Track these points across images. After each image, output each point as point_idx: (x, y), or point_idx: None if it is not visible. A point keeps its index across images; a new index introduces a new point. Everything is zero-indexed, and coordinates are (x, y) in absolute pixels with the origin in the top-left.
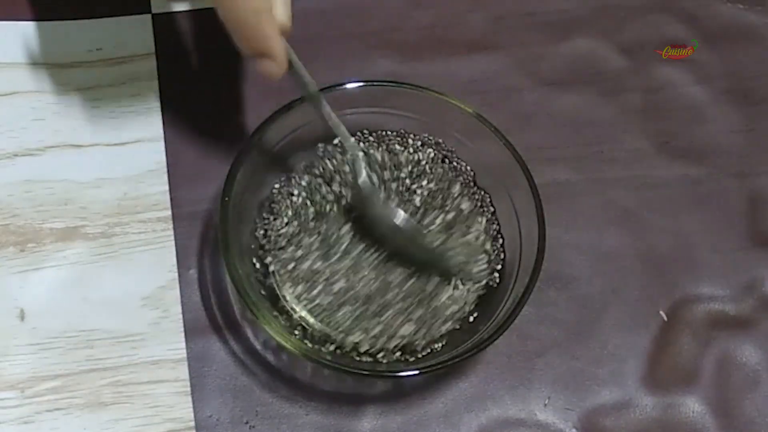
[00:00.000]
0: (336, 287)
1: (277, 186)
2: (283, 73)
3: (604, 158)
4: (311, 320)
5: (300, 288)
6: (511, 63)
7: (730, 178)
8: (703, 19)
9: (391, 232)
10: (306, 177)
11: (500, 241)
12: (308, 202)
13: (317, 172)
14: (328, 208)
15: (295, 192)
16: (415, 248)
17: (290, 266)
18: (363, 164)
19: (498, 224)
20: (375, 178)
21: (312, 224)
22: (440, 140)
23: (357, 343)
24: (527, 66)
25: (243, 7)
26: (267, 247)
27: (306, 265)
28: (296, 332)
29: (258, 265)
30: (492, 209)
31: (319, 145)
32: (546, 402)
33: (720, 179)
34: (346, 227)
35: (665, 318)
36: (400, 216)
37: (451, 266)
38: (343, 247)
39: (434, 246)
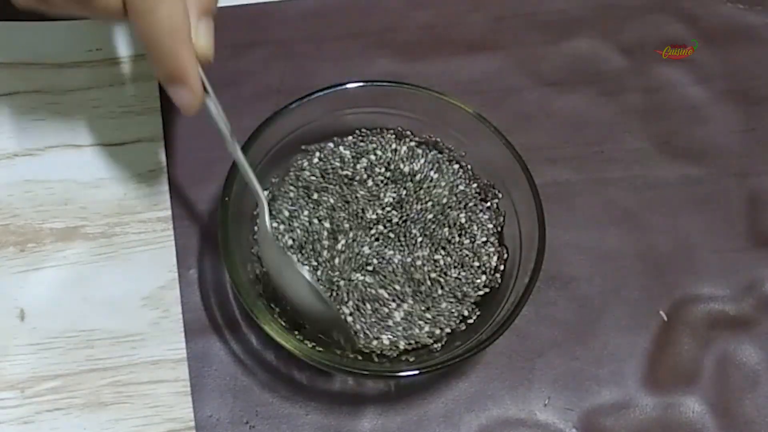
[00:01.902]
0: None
1: (276, 185)
2: (198, 105)
3: (604, 158)
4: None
5: None
6: (511, 63)
7: (730, 178)
8: (703, 19)
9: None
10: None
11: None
12: (305, 203)
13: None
14: (322, 211)
15: (293, 193)
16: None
17: None
18: (267, 214)
19: (501, 225)
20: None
21: (311, 224)
22: (438, 139)
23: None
24: (527, 66)
25: (159, 26)
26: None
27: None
28: (296, 333)
29: (258, 266)
30: (496, 209)
31: (312, 146)
32: (546, 402)
33: (720, 179)
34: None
35: (665, 318)
36: (303, 271)
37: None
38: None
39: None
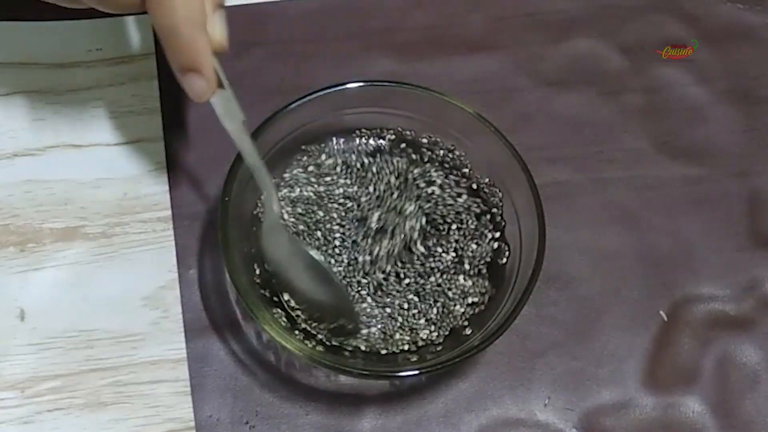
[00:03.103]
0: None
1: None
2: (211, 94)
3: (604, 158)
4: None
5: None
6: (511, 63)
7: (730, 178)
8: (703, 19)
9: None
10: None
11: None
12: (305, 203)
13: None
14: (321, 212)
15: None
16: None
17: None
18: (275, 199)
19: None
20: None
21: (311, 224)
22: (439, 139)
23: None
24: (527, 66)
25: (176, 16)
26: None
27: None
28: (297, 332)
29: (258, 266)
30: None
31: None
32: (546, 402)
33: (720, 179)
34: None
35: (665, 318)
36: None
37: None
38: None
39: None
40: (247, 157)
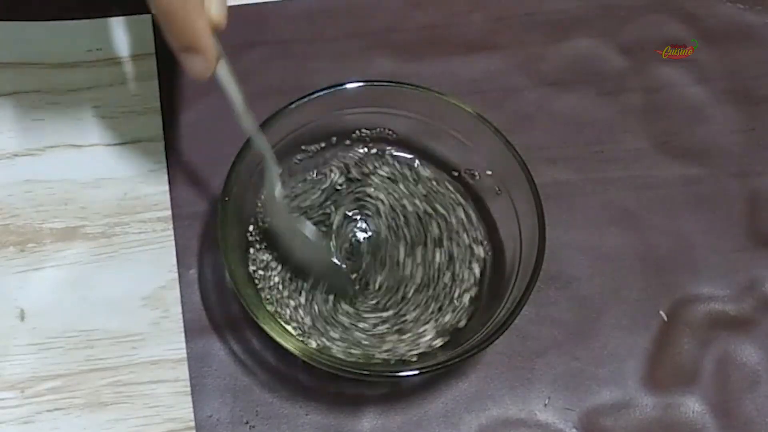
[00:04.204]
0: None
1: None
2: (211, 72)
3: (604, 158)
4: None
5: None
6: (511, 63)
7: (730, 178)
8: (703, 19)
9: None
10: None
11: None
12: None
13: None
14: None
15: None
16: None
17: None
18: (278, 181)
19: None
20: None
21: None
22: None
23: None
24: (527, 66)
25: None
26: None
27: None
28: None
29: (257, 266)
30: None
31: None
32: (546, 402)
33: (720, 179)
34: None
35: (665, 318)
36: (310, 229)
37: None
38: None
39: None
40: (250, 133)
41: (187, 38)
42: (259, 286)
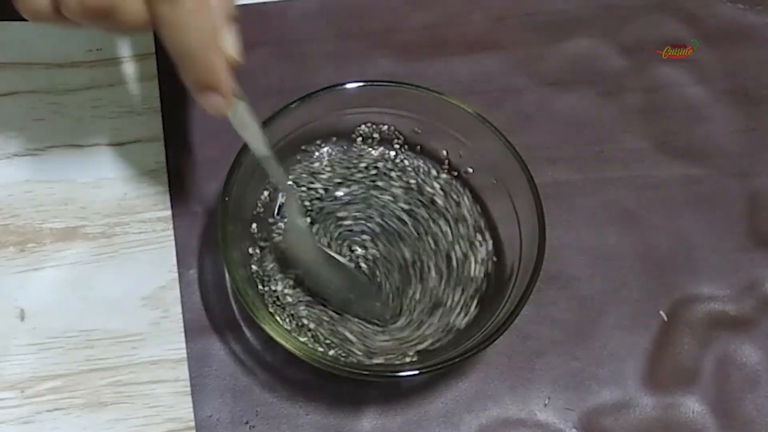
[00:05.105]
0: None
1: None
2: (229, 109)
3: (604, 158)
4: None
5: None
6: (511, 63)
7: (730, 178)
8: (703, 19)
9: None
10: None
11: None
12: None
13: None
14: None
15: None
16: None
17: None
18: (297, 207)
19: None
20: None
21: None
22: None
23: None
24: (527, 66)
25: (189, 36)
26: (267, 246)
27: None
28: (296, 332)
29: (257, 266)
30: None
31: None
32: (546, 402)
33: (720, 179)
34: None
35: (665, 318)
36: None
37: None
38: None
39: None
40: (267, 167)
41: (204, 77)
42: (259, 287)
